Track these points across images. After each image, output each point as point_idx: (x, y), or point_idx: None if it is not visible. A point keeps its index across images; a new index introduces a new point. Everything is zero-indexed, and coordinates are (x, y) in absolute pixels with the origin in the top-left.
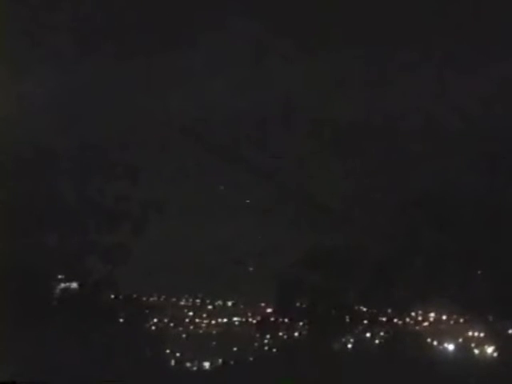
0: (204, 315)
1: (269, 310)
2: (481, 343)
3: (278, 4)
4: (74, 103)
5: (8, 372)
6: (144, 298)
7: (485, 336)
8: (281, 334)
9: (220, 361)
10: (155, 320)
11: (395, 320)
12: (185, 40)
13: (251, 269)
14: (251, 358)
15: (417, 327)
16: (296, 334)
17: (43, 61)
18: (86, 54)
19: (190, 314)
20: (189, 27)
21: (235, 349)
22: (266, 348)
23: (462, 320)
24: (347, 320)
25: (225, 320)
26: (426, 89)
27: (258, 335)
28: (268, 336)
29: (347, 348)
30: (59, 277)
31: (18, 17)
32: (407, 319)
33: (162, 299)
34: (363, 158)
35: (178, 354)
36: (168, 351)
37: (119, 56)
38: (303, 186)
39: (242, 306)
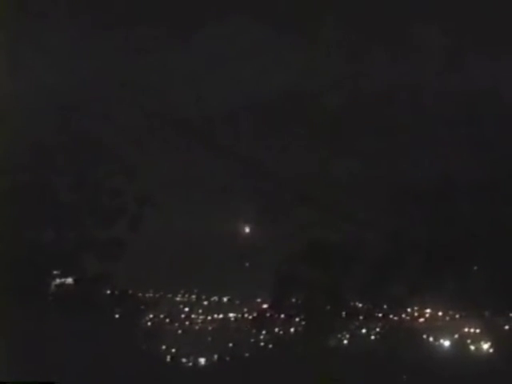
0: (200, 311)
1: (265, 306)
2: (477, 339)
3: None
4: (71, 99)
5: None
6: (140, 294)
7: (481, 332)
8: (277, 329)
9: (216, 356)
10: (151, 316)
11: (391, 316)
12: (181, 37)
13: (247, 264)
14: (247, 354)
15: (413, 323)
16: (292, 329)
17: (43, 58)
18: (85, 50)
19: (186, 309)
20: (185, 24)
21: (231, 344)
22: (262, 344)
23: (457, 316)
24: (343, 316)
25: (220, 316)
26: (425, 82)
27: (253, 331)
28: (264, 332)
29: (343, 344)
30: (54, 272)
31: (16, 15)
32: (403, 315)
33: (157, 295)
34: (362, 154)
35: (173, 350)
36: (164, 347)
37: (117, 53)
38: (300, 181)
39: (237, 302)
